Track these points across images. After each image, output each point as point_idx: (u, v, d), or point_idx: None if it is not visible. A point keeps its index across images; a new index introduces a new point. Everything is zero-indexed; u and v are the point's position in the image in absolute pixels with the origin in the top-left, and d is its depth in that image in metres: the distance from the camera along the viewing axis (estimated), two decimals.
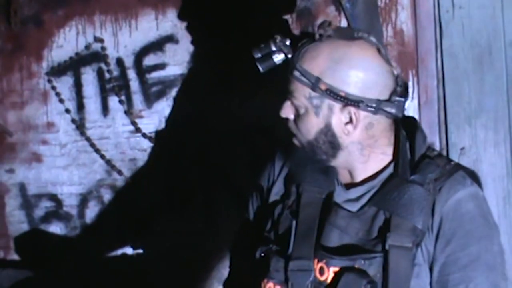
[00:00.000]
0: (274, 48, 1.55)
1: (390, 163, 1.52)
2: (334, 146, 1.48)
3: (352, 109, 1.45)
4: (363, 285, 1.36)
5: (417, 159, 1.50)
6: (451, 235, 1.41)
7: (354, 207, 1.50)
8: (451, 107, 2.52)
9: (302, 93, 1.47)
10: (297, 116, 1.50)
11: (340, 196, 1.53)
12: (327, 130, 1.47)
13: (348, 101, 1.44)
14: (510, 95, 2.46)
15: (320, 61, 1.45)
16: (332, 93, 1.44)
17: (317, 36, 1.47)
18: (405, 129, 1.53)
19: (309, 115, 1.48)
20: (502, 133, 2.48)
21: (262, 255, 1.52)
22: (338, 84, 1.44)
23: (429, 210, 1.42)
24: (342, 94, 1.44)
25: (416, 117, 2.53)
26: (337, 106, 1.45)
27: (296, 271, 1.43)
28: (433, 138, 2.50)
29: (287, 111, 1.51)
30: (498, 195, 2.47)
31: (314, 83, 1.45)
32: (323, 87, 1.45)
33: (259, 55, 1.57)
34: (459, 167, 1.52)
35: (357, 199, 1.50)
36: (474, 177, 1.54)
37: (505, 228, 2.45)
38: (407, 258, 1.38)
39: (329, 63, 1.45)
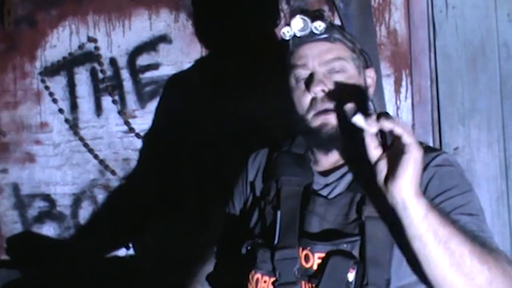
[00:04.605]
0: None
1: None
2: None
3: (372, 71, 1.62)
4: (351, 266, 1.37)
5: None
6: (435, 192, 1.43)
7: (331, 192, 1.53)
8: (445, 107, 2.52)
9: (346, 54, 1.56)
10: (338, 83, 1.54)
11: (317, 183, 1.56)
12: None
13: (370, 62, 1.60)
14: (503, 95, 2.46)
15: (339, 28, 1.61)
16: (365, 53, 1.60)
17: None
18: None
19: (354, 74, 1.57)
20: (495, 133, 2.48)
21: (248, 248, 1.53)
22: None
23: None
24: (367, 56, 1.61)
25: (410, 117, 2.53)
26: (362, 66, 1.60)
27: (282, 260, 1.44)
28: (427, 138, 2.50)
29: (322, 83, 1.52)
30: (492, 195, 2.47)
31: (354, 44, 1.59)
32: (358, 47, 1.59)
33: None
34: (430, 148, 1.59)
35: (334, 182, 1.54)
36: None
37: (498, 228, 2.45)
38: (384, 227, 1.40)
39: (345, 31, 1.61)
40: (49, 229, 3.02)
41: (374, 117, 1.26)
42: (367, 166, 1.34)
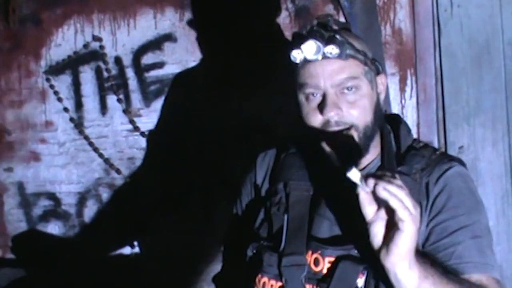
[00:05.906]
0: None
1: (378, 155, 1.55)
2: (378, 121, 1.52)
3: (383, 77, 1.56)
4: (360, 271, 1.36)
5: (404, 151, 1.53)
6: (442, 206, 1.43)
7: None
8: (450, 106, 2.52)
9: (358, 70, 1.49)
10: (352, 102, 1.47)
11: None
12: (377, 102, 1.53)
13: (382, 69, 1.54)
14: (508, 94, 2.46)
15: (351, 40, 1.50)
16: (376, 61, 1.53)
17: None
18: (389, 124, 1.58)
19: (367, 91, 1.50)
20: (500, 132, 2.48)
21: (254, 251, 1.52)
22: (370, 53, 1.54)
23: (418, 197, 1.42)
24: (378, 64, 1.55)
25: (415, 115, 2.54)
26: (374, 75, 1.53)
27: (289, 267, 1.43)
28: (432, 137, 2.50)
29: (335, 107, 1.46)
30: (497, 194, 2.47)
31: (366, 56, 1.51)
32: (370, 56, 1.52)
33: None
34: (444, 156, 1.56)
35: None
36: (460, 163, 1.55)
37: (503, 227, 2.46)
38: None
39: (355, 39, 1.52)
40: (54, 228, 3.02)
41: (371, 180, 1.19)
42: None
